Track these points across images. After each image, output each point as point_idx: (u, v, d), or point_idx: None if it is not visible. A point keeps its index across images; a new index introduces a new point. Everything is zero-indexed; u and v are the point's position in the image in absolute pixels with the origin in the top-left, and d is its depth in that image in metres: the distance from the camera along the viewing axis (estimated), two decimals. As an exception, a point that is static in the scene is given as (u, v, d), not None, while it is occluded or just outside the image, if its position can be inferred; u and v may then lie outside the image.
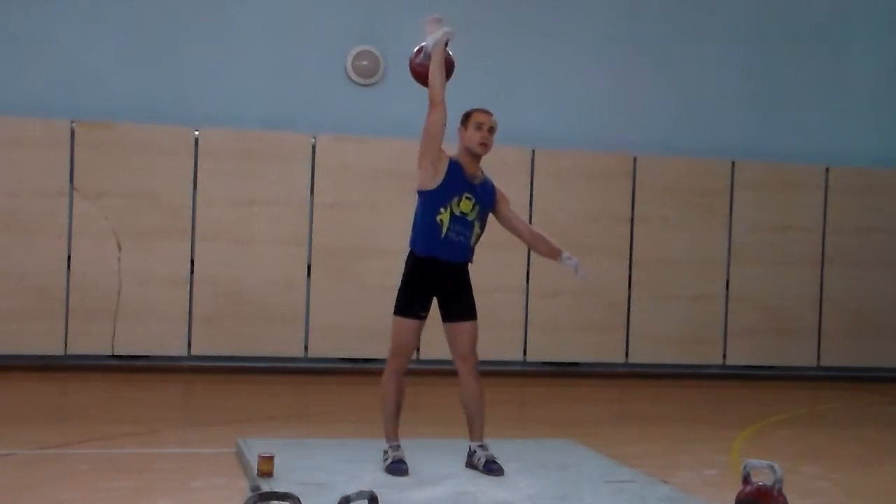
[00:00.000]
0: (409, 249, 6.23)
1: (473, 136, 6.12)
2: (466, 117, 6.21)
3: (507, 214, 6.31)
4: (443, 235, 6.06)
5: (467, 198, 6.08)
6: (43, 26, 10.30)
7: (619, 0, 11.40)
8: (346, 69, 10.83)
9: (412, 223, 6.22)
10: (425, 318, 6.17)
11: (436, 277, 6.11)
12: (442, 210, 6.05)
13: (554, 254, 6.29)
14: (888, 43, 11.92)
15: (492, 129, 6.16)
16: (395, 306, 6.18)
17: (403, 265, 6.24)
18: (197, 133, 10.24)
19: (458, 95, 11.01)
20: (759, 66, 11.65)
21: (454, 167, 6.09)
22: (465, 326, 6.18)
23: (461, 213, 6.08)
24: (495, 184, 6.29)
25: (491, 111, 6.21)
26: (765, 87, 11.66)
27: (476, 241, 6.21)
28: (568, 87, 11.26)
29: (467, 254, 6.18)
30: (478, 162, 6.18)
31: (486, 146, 6.13)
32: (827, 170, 11.47)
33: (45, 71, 10.30)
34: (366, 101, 10.86)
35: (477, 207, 6.12)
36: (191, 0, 10.61)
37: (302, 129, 10.53)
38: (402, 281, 6.21)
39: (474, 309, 6.24)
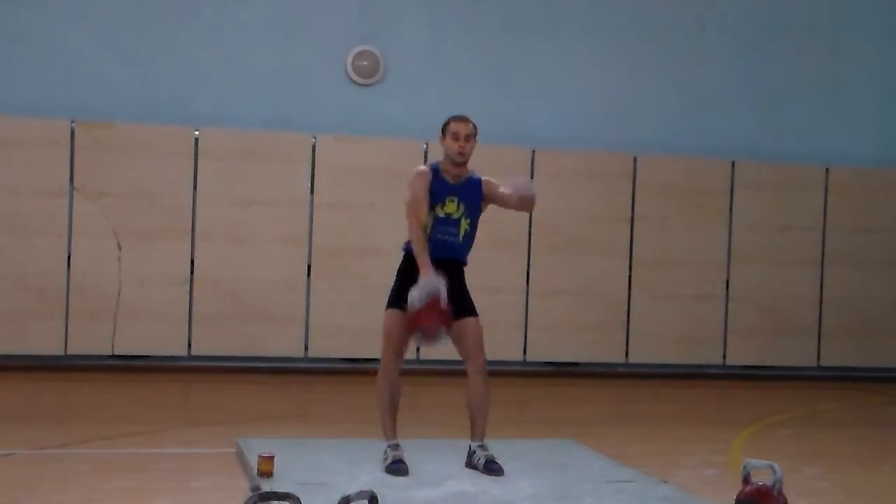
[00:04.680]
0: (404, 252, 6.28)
1: (451, 146, 6.21)
2: (444, 127, 6.29)
3: (498, 194, 6.27)
4: (429, 235, 6.12)
5: (450, 200, 6.19)
6: (43, 26, 10.30)
7: (620, 0, 11.40)
8: (346, 69, 10.84)
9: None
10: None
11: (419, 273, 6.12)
12: (430, 210, 6.15)
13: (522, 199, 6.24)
14: (887, 43, 11.92)
15: (468, 137, 6.21)
16: (387, 301, 6.26)
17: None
18: (197, 133, 10.24)
19: (459, 95, 11.10)
20: (759, 66, 11.65)
21: (435, 175, 6.21)
22: (466, 323, 6.17)
23: (446, 214, 6.19)
24: (483, 177, 6.32)
25: (467, 118, 6.27)
26: (765, 87, 11.67)
27: (466, 240, 6.24)
28: (568, 87, 11.26)
29: (456, 251, 6.22)
30: (461, 166, 6.26)
31: (463, 154, 6.21)
32: (827, 170, 11.47)
33: (45, 71, 10.31)
34: (366, 101, 10.87)
35: (462, 206, 6.21)
36: (191, 0, 10.61)
37: (302, 129, 10.53)
38: (394, 281, 6.28)
39: (473, 306, 6.25)
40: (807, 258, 11.41)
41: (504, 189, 6.23)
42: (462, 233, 6.21)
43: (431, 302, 5.87)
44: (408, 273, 6.16)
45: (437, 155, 10.41)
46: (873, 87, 11.91)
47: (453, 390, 7.28)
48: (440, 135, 6.29)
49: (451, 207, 6.19)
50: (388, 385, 6.20)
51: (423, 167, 6.31)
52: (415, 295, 5.89)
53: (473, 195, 6.26)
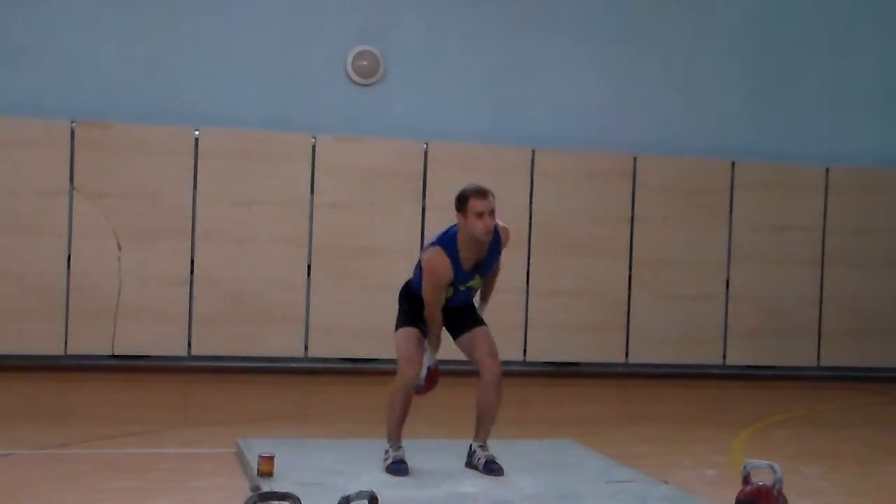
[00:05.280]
0: (406, 281, 6.26)
1: (476, 225, 5.84)
2: (462, 203, 5.88)
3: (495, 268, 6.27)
4: (447, 297, 6.09)
5: (472, 278, 6.09)
6: (43, 26, 10.30)
7: (620, 0, 11.40)
8: (346, 69, 10.83)
9: (413, 268, 6.21)
10: (425, 332, 6.11)
11: None
12: (448, 287, 6.06)
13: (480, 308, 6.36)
14: (888, 43, 11.92)
15: (492, 212, 5.87)
16: (396, 325, 6.19)
17: (402, 269, 6.26)
18: (197, 133, 10.24)
19: (459, 95, 11.10)
20: (759, 66, 11.65)
21: (455, 266, 5.95)
22: (477, 332, 6.16)
23: (467, 287, 6.11)
24: (501, 227, 6.06)
25: (487, 191, 5.89)
26: (765, 87, 11.66)
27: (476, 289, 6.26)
28: (568, 87, 11.26)
29: (468, 301, 6.23)
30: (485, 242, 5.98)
31: (490, 232, 5.89)
32: (827, 170, 11.47)
33: (45, 71, 10.30)
34: (366, 101, 10.86)
35: (482, 278, 6.14)
36: (191, 0, 10.61)
37: (302, 129, 10.53)
38: (399, 306, 6.22)
39: (481, 317, 6.25)
40: (807, 258, 11.41)
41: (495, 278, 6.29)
42: (475, 291, 6.22)
43: (431, 374, 6.12)
44: (413, 300, 6.13)
45: (436, 156, 10.51)
46: (873, 87, 11.91)
47: (454, 390, 7.28)
48: (457, 210, 5.90)
49: (472, 282, 6.11)
50: (403, 401, 6.12)
51: (443, 263, 5.89)
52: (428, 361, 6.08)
53: (493, 257, 6.12)
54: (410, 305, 6.15)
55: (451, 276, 5.95)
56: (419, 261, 6.13)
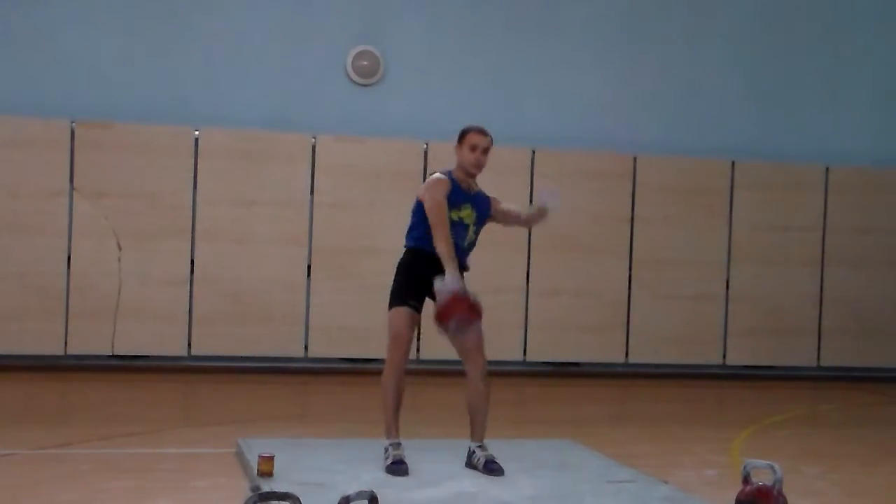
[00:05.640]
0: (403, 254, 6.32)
1: (468, 157, 6.23)
2: (462, 136, 6.28)
3: (502, 209, 6.46)
4: None
5: (465, 206, 6.23)
6: (43, 26, 10.30)
7: (620, 0, 11.40)
8: (346, 69, 10.84)
9: (408, 227, 6.29)
10: (417, 309, 6.19)
11: (426, 268, 6.10)
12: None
13: (541, 212, 6.56)
14: (888, 42, 11.92)
15: (486, 150, 6.26)
16: (389, 302, 6.26)
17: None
18: (197, 133, 10.24)
19: (459, 95, 11.10)
20: (759, 66, 11.65)
21: (454, 185, 6.21)
22: None
23: (459, 218, 6.20)
24: (487, 193, 6.43)
25: (486, 130, 6.29)
26: (765, 87, 11.66)
27: (469, 247, 6.29)
28: (568, 87, 11.26)
29: (459, 254, 6.18)
30: (473, 177, 6.32)
31: (480, 167, 6.28)
32: (827, 170, 11.47)
33: (45, 71, 10.30)
34: (366, 101, 10.87)
35: (474, 214, 6.27)
36: (191, 0, 10.61)
37: (302, 129, 10.53)
38: (395, 278, 6.31)
39: None
40: (807, 258, 11.41)
41: (512, 206, 6.50)
42: (467, 240, 6.27)
43: (461, 294, 5.91)
44: (412, 268, 6.19)
45: (436, 155, 10.50)
46: (873, 87, 11.91)
47: (453, 390, 7.28)
48: (456, 143, 6.28)
49: (466, 213, 6.23)
50: (395, 385, 6.19)
51: (441, 176, 6.25)
52: (446, 283, 5.89)
53: (484, 208, 6.36)
54: (407, 276, 6.22)
55: (451, 187, 6.15)
56: (416, 204, 6.21)
